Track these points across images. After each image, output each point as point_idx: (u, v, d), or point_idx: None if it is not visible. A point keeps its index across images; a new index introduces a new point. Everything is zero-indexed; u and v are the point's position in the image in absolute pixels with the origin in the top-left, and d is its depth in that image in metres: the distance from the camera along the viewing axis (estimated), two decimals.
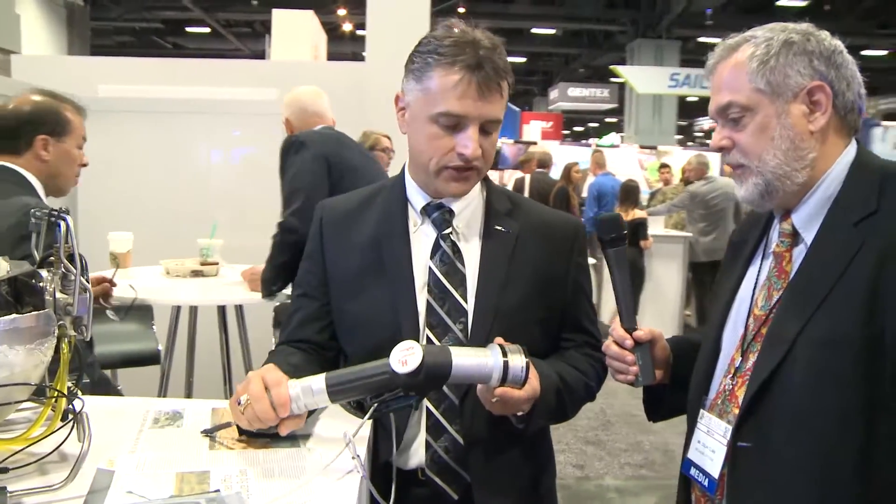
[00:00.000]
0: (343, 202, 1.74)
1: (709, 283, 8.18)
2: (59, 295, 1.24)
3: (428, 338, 1.55)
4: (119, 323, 2.86)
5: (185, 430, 1.44)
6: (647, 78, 20.10)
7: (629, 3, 21.00)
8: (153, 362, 3.42)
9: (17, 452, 1.18)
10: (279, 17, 7.30)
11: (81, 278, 1.24)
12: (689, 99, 24.59)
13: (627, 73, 20.06)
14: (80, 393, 1.31)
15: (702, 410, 1.51)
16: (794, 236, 1.43)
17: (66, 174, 2.48)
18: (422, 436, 1.56)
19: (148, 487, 1.17)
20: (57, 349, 1.23)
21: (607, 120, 33.64)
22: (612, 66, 20.95)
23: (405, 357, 1.28)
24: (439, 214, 1.62)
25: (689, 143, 27.89)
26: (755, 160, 1.40)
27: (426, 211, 1.63)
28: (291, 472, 1.26)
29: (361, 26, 18.93)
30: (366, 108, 6.50)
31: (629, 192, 8.43)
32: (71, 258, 1.25)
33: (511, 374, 1.34)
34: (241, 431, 1.40)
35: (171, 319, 3.48)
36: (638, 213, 7.98)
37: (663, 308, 8.15)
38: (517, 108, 21.62)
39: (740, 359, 1.45)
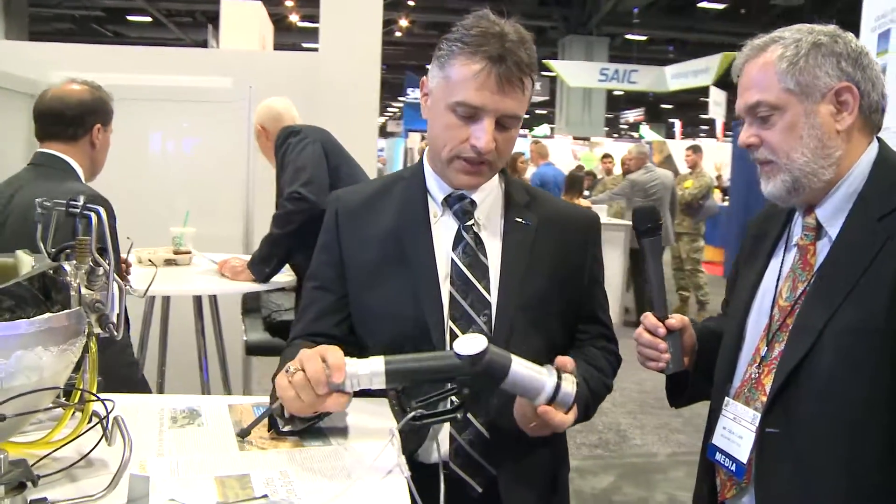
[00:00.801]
0: (357, 192, 1.71)
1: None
2: (84, 291, 1.17)
3: (451, 330, 1.53)
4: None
5: (208, 429, 1.39)
6: (577, 72, 20.55)
7: (560, 1, 21.46)
8: None
9: (43, 457, 1.12)
10: (227, 6, 7.19)
11: (114, 273, 1.18)
12: (615, 93, 25.19)
13: (559, 67, 20.44)
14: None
15: (727, 398, 1.54)
16: (818, 230, 1.47)
17: (103, 160, 2.66)
18: (446, 428, 1.54)
19: (190, 494, 1.11)
20: (84, 348, 1.17)
21: (538, 112, 34.00)
22: (544, 61, 21.26)
23: (470, 343, 1.26)
24: (461, 205, 1.61)
25: (615, 135, 28.53)
26: (783, 157, 1.44)
27: (447, 202, 1.62)
28: (334, 473, 1.23)
29: (307, 17, 19.04)
30: (318, 99, 6.41)
31: (574, 182, 8.63)
32: (101, 251, 1.18)
33: (560, 396, 1.33)
34: (271, 425, 1.36)
35: (146, 309, 3.37)
36: (582, 202, 8.08)
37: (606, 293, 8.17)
38: None
39: (766, 348, 1.48)
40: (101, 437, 1.16)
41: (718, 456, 1.53)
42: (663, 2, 20.38)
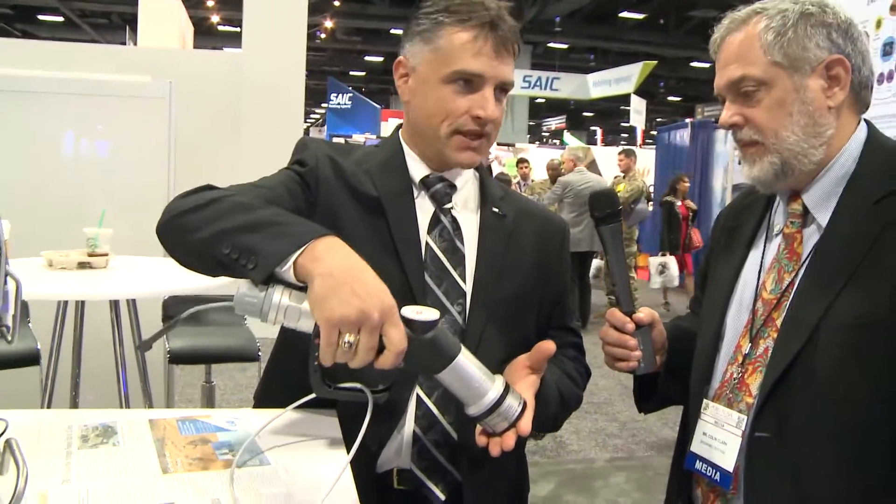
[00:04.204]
0: (336, 149, 1.52)
1: (576, 272, 8.26)
2: None
3: None
4: None
5: (124, 448, 1.19)
6: None
7: None
8: (31, 363, 3.05)
9: None
10: (146, 4, 6.93)
11: (7, 266, 0.98)
12: (538, 100, 25.56)
13: None
14: None
15: (706, 400, 1.41)
16: (804, 217, 1.37)
17: None
18: (409, 428, 1.39)
19: None
20: None
21: None
22: None
23: (421, 310, 1.13)
24: (442, 187, 1.48)
25: (538, 142, 28.95)
26: (771, 137, 1.33)
27: (425, 183, 1.48)
28: (275, 498, 1.05)
29: (227, 21, 18.65)
30: (241, 99, 6.22)
31: None
32: None
33: (503, 409, 1.20)
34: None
35: (58, 316, 3.10)
36: None
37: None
38: (377, 106, 21.57)
39: (749, 345, 1.36)
40: None
41: (699, 465, 1.39)
42: (585, 11, 20.71)
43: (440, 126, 1.42)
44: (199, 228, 1.19)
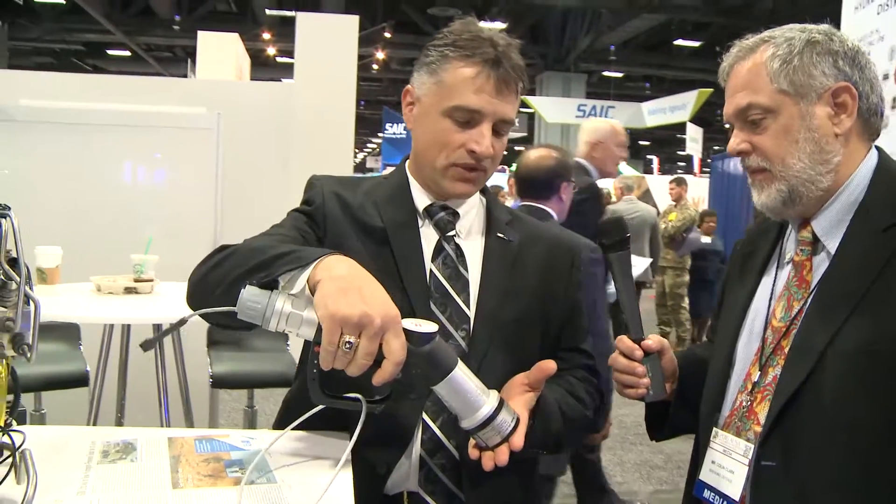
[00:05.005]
0: (342, 183, 1.57)
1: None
2: None
3: None
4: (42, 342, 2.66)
5: (141, 464, 1.24)
6: (555, 108, 20.80)
7: (538, 38, 21.68)
8: (80, 384, 3.16)
9: None
10: (205, 38, 7.14)
11: (27, 287, 1.04)
12: None
13: (537, 103, 20.65)
14: (14, 423, 1.11)
15: (715, 429, 1.41)
16: (814, 244, 1.36)
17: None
18: (416, 452, 1.41)
19: None
20: None
21: (517, 148, 34.14)
22: (522, 97, 21.50)
23: (420, 322, 1.17)
24: (444, 215, 1.52)
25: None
26: (778, 164, 1.33)
27: (429, 212, 1.53)
28: None
29: (284, 53, 19.07)
30: (293, 128, 6.34)
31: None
32: (13, 263, 1.04)
33: (496, 424, 1.24)
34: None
35: (105, 339, 3.21)
36: None
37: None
38: None
39: (758, 373, 1.36)
40: (8, 473, 1.01)
41: (707, 493, 1.39)
42: (639, 39, 20.64)
43: (437, 157, 1.46)
44: (220, 283, 1.26)
